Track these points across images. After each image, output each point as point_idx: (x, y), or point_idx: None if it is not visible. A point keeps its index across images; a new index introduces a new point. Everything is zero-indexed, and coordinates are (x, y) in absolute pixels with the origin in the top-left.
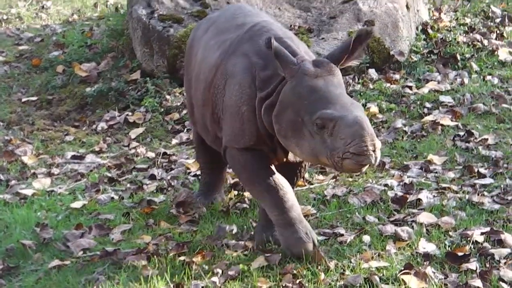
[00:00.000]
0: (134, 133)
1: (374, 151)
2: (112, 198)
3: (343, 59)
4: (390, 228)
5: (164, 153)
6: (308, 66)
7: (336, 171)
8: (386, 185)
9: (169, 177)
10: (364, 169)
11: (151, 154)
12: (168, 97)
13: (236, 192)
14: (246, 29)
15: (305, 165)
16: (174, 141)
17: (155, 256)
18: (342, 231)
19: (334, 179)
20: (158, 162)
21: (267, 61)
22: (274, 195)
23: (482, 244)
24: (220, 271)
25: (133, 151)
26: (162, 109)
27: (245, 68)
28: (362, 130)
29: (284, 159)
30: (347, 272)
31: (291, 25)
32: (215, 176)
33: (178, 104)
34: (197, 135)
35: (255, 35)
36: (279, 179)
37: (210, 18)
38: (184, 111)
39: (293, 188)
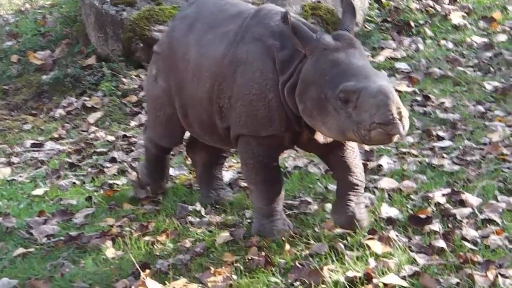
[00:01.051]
0: (92, 117)
1: (401, 119)
2: (74, 183)
3: (351, 28)
4: None
5: (124, 136)
6: (328, 40)
7: (366, 145)
8: None
9: (129, 159)
10: (394, 139)
11: (111, 138)
12: (124, 80)
13: None
14: (250, 15)
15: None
16: (133, 123)
17: (119, 238)
18: (307, 199)
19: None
20: (118, 145)
21: (284, 41)
22: (269, 187)
23: (443, 205)
24: (185, 248)
25: (92, 135)
26: (119, 93)
27: (262, 53)
28: (387, 99)
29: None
30: (312, 241)
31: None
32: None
33: (136, 86)
34: (179, 140)
35: (264, 18)
36: (278, 172)
37: (185, 17)
38: (141, 93)
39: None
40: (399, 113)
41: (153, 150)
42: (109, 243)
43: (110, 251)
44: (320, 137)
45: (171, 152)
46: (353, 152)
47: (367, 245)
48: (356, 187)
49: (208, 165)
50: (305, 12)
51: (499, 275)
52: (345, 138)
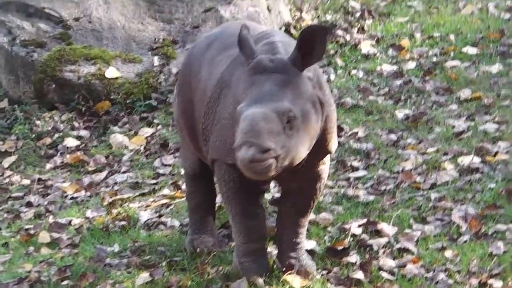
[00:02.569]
0: (7, 162)
1: (248, 147)
2: None
3: (300, 58)
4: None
5: (39, 179)
6: (260, 60)
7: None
8: None
9: (46, 203)
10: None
11: (26, 181)
12: (38, 122)
13: (116, 211)
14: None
15: (318, 191)
16: (48, 166)
17: (37, 284)
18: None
19: None
20: (34, 189)
21: None
22: (245, 221)
23: (360, 236)
24: None
25: (7, 180)
26: (34, 135)
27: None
28: (246, 127)
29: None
30: (231, 278)
31: (155, 39)
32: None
33: (49, 128)
34: (197, 164)
35: (256, 42)
36: (256, 207)
37: (209, 36)
38: (56, 135)
39: (304, 215)
40: (249, 143)
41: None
42: None
43: None
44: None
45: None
46: (310, 205)
47: (285, 280)
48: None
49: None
50: None
51: None
52: None
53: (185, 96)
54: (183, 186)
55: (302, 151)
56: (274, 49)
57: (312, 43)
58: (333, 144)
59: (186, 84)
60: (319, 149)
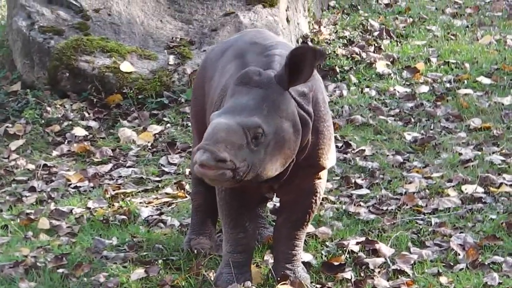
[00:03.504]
0: (14, 145)
1: (203, 152)
2: None
3: (287, 77)
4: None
5: (45, 165)
6: (246, 72)
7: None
8: None
9: (49, 189)
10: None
11: (31, 166)
12: (48, 108)
13: (117, 204)
14: (259, 50)
15: (314, 206)
16: (54, 153)
17: (33, 269)
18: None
19: None
20: (38, 174)
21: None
22: (233, 232)
23: (357, 253)
24: (99, 283)
25: (13, 163)
26: (43, 121)
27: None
28: (209, 134)
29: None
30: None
31: (172, 38)
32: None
33: (59, 116)
34: None
35: (263, 51)
36: (245, 220)
37: (227, 41)
38: (65, 123)
39: (299, 229)
40: (205, 148)
41: (193, 188)
42: (22, 273)
43: (23, 282)
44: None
45: None
46: (306, 219)
47: None
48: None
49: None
50: None
51: None
52: None
53: (198, 99)
54: (187, 187)
55: (270, 168)
56: (269, 63)
57: (300, 64)
58: (327, 160)
59: (200, 88)
60: (311, 164)
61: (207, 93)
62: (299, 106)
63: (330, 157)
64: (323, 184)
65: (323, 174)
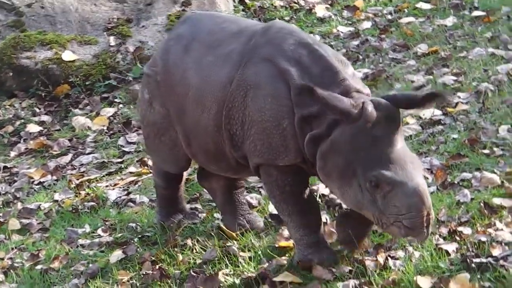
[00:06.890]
0: None
1: (427, 226)
2: None
3: (404, 106)
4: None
5: (5, 167)
6: (370, 110)
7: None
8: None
9: (13, 190)
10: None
11: None
12: None
13: (84, 192)
14: (258, 33)
15: None
16: (12, 154)
17: (11, 270)
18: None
19: None
20: (0, 177)
21: (302, 72)
22: (305, 216)
23: (327, 196)
24: (79, 272)
25: None
26: None
27: (273, 76)
28: (421, 204)
29: None
30: (204, 249)
31: (109, 19)
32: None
33: (11, 116)
34: (186, 166)
35: (274, 38)
36: (312, 199)
37: (179, 37)
38: (18, 122)
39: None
40: (428, 220)
41: (161, 182)
42: (1, 277)
43: (3, 285)
44: None
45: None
46: None
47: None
48: None
49: (228, 191)
50: (171, 22)
51: (388, 258)
52: (358, 211)
53: (173, 105)
54: (149, 162)
55: None
56: (337, 74)
57: (426, 102)
58: None
59: (170, 92)
60: None
61: (183, 94)
62: None
63: None
64: None
65: None
